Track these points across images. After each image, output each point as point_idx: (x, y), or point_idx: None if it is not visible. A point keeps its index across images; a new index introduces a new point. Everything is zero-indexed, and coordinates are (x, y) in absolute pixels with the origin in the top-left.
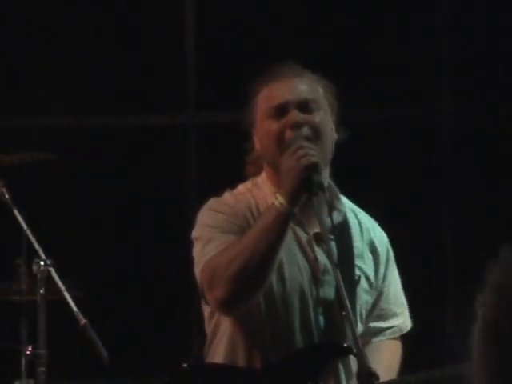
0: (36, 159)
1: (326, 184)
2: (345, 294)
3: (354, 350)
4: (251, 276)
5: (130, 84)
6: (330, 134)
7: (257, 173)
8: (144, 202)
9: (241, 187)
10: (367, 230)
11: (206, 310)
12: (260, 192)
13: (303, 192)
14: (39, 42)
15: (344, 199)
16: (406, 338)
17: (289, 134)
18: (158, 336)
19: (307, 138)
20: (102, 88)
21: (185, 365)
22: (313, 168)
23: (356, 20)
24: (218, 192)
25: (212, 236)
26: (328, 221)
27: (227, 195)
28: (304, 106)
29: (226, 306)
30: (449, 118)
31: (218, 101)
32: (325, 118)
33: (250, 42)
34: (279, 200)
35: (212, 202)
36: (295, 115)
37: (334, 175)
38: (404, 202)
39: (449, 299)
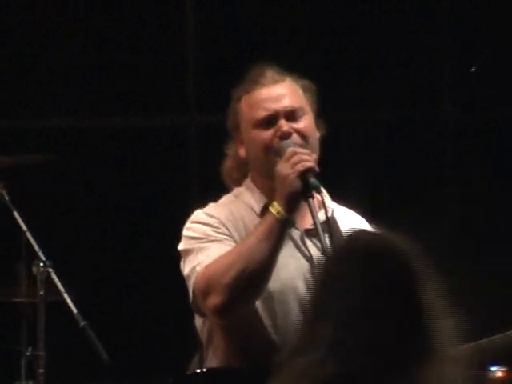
0: (36, 161)
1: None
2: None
3: None
4: (247, 283)
5: (131, 85)
6: (315, 134)
7: (238, 181)
8: (145, 203)
9: (224, 198)
10: (354, 227)
11: (198, 320)
12: (244, 201)
13: (300, 198)
14: (40, 42)
15: (328, 199)
16: None
17: (277, 142)
18: (158, 338)
19: (298, 145)
20: (102, 89)
21: (199, 370)
22: (309, 172)
23: (356, 21)
24: (219, 193)
25: (201, 246)
26: (320, 217)
27: (210, 207)
28: (291, 115)
29: (222, 312)
30: (449, 120)
31: (219, 102)
32: (309, 121)
33: (251, 43)
34: (276, 208)
35: (196, 215)
36: (284, 125)
37: (334, 175)
38: (404, 202)
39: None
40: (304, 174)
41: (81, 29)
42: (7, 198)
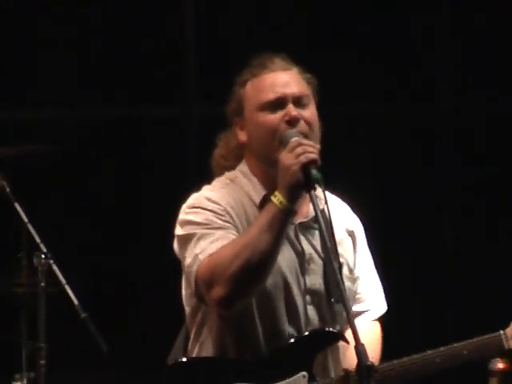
0: (37, 151)
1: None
2: (340, 279)
3: (347, 338)
4: (252, 274)
5: (129, 76)
6: (318, 125)
7: (228, 168)
8: (144, 194)
9: (219, 182)
10: (343, 216)
11: (188, 305)
12: (242, 188)
13: (302, 189)
14: (38, 33)
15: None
16: (405, 337)
17: (283, 127)
18: (157, 329)
19: (304, 134)
20: (103, 80)
21: (184, 359)
22: (312, 164)
23: (357, 18)
24: None
25: (204, 232)
26: (317, 210)
27: (208, 191)
28: (299, 101)
29: (228, 303)
30: (448, 117)
31: (218, 92)
32: (315, 111)
33: (250, 33)
34: (278, 198)
35: (196, 200)
36: (293, 110)
37: (334, 171)
38: (403, 202)
39: (449, 298)
40: (307, 166)
41: (80, 20)
42: (8, 190)
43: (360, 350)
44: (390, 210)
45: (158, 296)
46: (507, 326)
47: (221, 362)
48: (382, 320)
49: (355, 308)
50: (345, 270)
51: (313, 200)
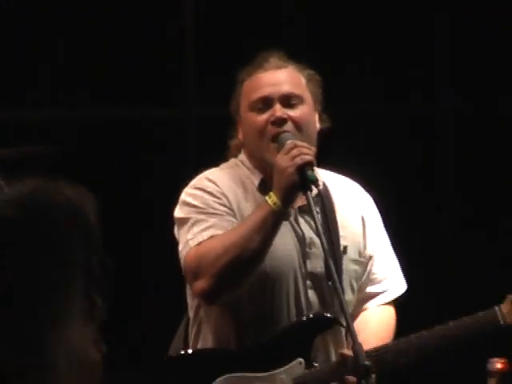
0: (35, 152)
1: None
2: (332, 264)
3: (343, 322)
4: (239, 271)
5: (129, 76)
6: (313, 125)
7: (236, 156)
8: (143, 193)
9: (224, 165)
10: (352, 197)
11: (190, 290)
12: (244, 173)
13: (297, 191)
14: (38, 33)
15: (322, 170)
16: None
17: (270, 129)
18: (157, 329)
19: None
20: (101, 80)
21: (182, 352)
22: (308, 165)
23: (357, 18)
24: None
25: (199, 217)
26: (312, 193)
27: (211, 171)
28: (286, 101)
29: (210, 297)
30: (448, 117)
31: (218, 93)
32: (307, 111)
33: (250, 33)
34: (272, 199)
35: (198, 181)
36: (278, 111)
37: (333, 171)
38: (403, 202)
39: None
40: (302, 168)
41: (80, 19)
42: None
43: (357, 349)
44: (389, 210)
45: (158, 296)
46: (503, 301)
47: (220, 353)
48: (397, 304)
49: (371, 289)
50: (351, 253)
51: (309, 202)
